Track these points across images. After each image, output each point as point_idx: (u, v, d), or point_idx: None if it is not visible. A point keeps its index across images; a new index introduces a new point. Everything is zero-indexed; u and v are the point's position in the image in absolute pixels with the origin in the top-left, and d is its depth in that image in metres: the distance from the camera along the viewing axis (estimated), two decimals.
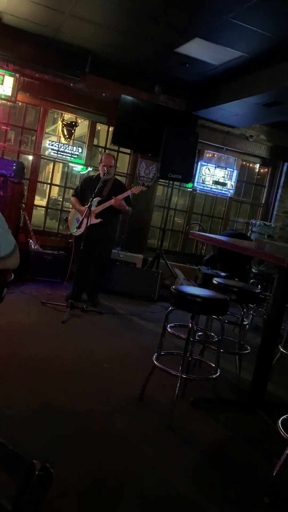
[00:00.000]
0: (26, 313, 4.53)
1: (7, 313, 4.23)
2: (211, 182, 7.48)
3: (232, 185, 7.65)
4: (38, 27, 5.39)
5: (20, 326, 4.09)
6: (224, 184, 7.58)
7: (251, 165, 8.02)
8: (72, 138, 6.58)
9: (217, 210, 7.92)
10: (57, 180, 8.94)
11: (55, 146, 6.44)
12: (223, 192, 7.63)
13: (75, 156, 6.57)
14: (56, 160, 6.67)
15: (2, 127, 6.22)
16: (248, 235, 7.46)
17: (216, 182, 7.51)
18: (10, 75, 5.85)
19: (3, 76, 5.81)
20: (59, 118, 6.64)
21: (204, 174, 7.42)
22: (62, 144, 6.47)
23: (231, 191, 7.68)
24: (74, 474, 2.14)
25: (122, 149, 6.96)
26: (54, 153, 6.46)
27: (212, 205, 7.86)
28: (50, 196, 7.00)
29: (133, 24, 4.79)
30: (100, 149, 7.05)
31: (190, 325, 2.92)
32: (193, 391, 3.26)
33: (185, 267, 7.04)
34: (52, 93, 6.22)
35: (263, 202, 8.14)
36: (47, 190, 6.93)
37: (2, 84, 5.81)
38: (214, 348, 3.37)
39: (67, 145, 6.50)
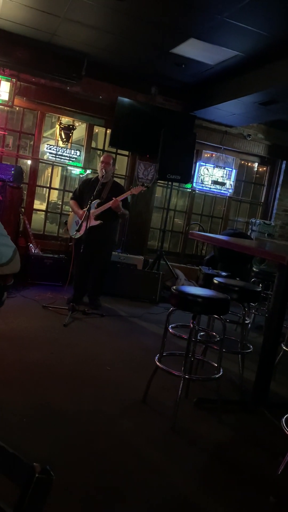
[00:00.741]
0: (28, 317, 4.53)
1: (9, 318, 4.23)
2: (210, 182, 7.48)
3: (231, 184, 7.65)
4: (34, 31, 5.40)
5: (22, 330, 4.08)
6: (223, 184, 7.57)
7: (249, 164, 8.02)
8: (70, 141, 6.59)
9: (216, 210, 7.91)
10: (56, 183, 8.95)
11: (53, 150, 6.45)
12: (222, 191, 7.63)
13: (74, 159, 6.57)
14: (55, 163, 6.67)
15: (0, 132, 6.22)
16: (248, 234, 7.45)
17: (215, 182, 7.51)
18: (7, 80, 5.86)
19: (0, 81, 5.82)
20: (56, 122, 6.65)
21: (202, 174, 7.42)
22: (60, 148, 6.48)
23: (230, 190, 7.67)
24: (78, 478, 2.13)
25: (120, 151, 6.96)
26: (52, 156, 6.46)
27: (211, 205, 7.85)
28: (50, 200, 7.01)
29: (128, 26, 4.79)
30: (98, 151, 7.05)
31: (192, 325, 2.91)
32: (196, 392, 3.25)
33: (186, 268, 7.04)
34: (49, 97, 6.23)
35: (262, 200, 8.13)
36: (46, 194, 6.94)
37: None
38: (216, 348, 3.36)
39: (65, 149, 6.51)
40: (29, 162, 6.59)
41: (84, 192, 5.21)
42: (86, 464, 2.26)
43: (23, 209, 6.10)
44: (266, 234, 7.40)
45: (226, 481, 2.34)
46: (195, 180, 7.37)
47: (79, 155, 6.62)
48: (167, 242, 7.52)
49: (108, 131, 6.80)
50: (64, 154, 6.50)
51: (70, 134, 6.54)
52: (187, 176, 6.55)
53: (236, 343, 3.80)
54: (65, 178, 7.25)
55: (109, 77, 6.39)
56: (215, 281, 3.55)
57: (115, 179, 6.77)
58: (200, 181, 7.42)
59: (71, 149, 6.57)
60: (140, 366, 3.64)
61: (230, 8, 4.00)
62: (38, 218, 7.15)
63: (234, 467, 2.49)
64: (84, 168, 6.63)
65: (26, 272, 5.70)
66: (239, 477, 2.39)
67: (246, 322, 3.84)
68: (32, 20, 5.05)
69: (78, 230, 5.02)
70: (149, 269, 6.34)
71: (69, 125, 6.56)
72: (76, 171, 6.73)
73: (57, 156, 6.46)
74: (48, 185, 7.13)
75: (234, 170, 7.62)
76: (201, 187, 7.48)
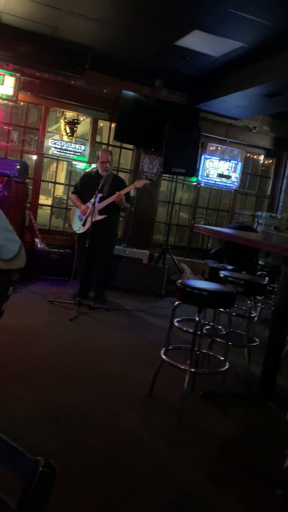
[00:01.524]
0: (34, 312, 4.54)
1: (15, 312, 4.25)
2: (216, 175, 7.44)
3: (236, 177, 7.60)
4: (37, 25, 5.38)
5: (28, 325, 4.10)
6: (228, 177, 7.53)
7: (255, 156, 7.96)
8: (75, 136, 6.57)
9: (222, 203, 7.88)
10: (61, 178, 8.94)
11: (58, 145, 6.44)
12: (227, 185, 7.58)
13: (78, 154, 6.56)
14: (59, 158, 6.66)
15: (5, 127, 6.22)
16: (254, 227, 7.41)
17: (221, 175, 7.47)
18: (11, 75, 5.84)
19: (4, 76, 5.81)
20: (61, 117, 6.64)
21: (208, 168, 7.38)
22: (64, 142, 6.47)
23: (235, 183, 7.63)
24: (85, 473, 2.14)
25: (124, 145, 6.94)
26: (57, 151, 6.46)
27: (217, 199, 7.81)
28: (55, 194, 7.01)
29: (132, 19, 4.76)
30: (103, 146, 7.03)
31: (197, 318, 2.91)
32: (202, 385, 3.25)
33: (192, 262, 7.02)
34: (53, 92, 6.21)
35: (268, 193, 8.08)
36: (52, 189, 6.93)
37: (2, 84, 5.80)
38: (222, 341, 3.35)
39: (69, 143, 6.50)
40: (34, 157, 6.59)
41: (84, 186, 5.21)
42: (93, 458, 2.27)
43: (28, 204, 6.11)
44: (272, 227, 7.36)
45: (233, 474, 2.34)
46: (200, 174, 7.33)
47: (84, 150, 6.61)
48: (172, 236, 7.50)
49: (112, 125, 6.78)
50: (68, 148, 6.49)
51: (75, 129, 6.53)
52: (192, 169, 6.52)
53: (242, 336, 3.79)
54: (70, 173, 7.25)
55: (113, 70, 6.36)
56: (221, 275, 3.54)
57: (120, 173, 6.78)
58: (205, 174, 7.38)
59: (75, 143, 6.56)
60: (146, 360, 3.64)
61: None
62: (43, 213, 7.16)
63: (240, 460, 2.49)
64: (89, 162, 6.61)
65: (32, 267, 5.72)
66: (245, 470, 2.39)
67: (252, 315, 3.83)
68: (35, 14, 5.03)
69: (83, 225, 5.02)
70: (155, 263, 6.34)
71: (73, 120, 6.54)
72: (81, 165, 6.72)
73: (61, 150, 6.45)
74: (53, 180, 7.14)
75: (239, 163, 7.57)
76: (206, 181, 7.44)
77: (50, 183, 7.28)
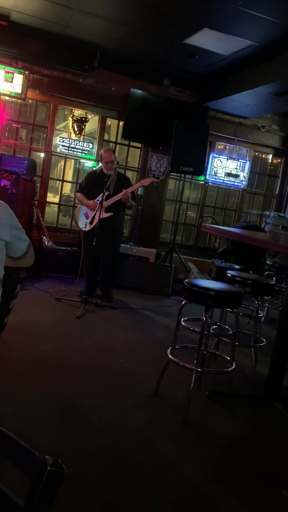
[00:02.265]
0: (41, 309, 4.56)
1: (22, 310, 4.27)
2: (223, 174, 7.41)
3: (244, 176, 7.57)
4: (46, 23, 5.38)
5: (35, 322, 4.12)
6: (236, 176, 7.50)
7: (263, 155, 7.92)
8: (83, 134, 6.58)
9: (230, 202, 7.85)
10: (68, 176, 8.96)
11: (66, 143, 6.45)
12: (235, 184, 7.56)
13: (86, 152, 6.57)
14: (67, 156, 6.67)
15: (13, 125, 6.25)
16: (262, 227, 7.38)
17: (229, 174, 7.44)
18: (20, 73, 5.86)
19: (13, 73, 5.82)
20: (69, 114, 6.65)
21: (216, 166, 7.35)
22: (72, 140, 6.48)
23: (244, 182, 7.60)
24: (91, 471, 2.15)
25: (132, 143, 6.93)
26: (65, 149, 6.47)
27: (225, 198, 7.79)
28: (62, 192, 7.03)
29: (141, 17, 4.75)
30: (111, 144, 7.04)
31: (204, 318, 2.90)
32: (209, 385, 3.25)
33: (199, 261, 7.00)
34: (62, 89, 6.22)
35: (276, 193, 8.04)
36: (59, 187, 6.95)
37: (12, 82, 5.82)
38: (229, 341, 3.34)
39: (77, 141, 6.50)
40: (42, 155, 6.61)
41: (90, 184, 5.22)
42: (99, 456, 2.28)
43: (36, 202, 6.13)
44: (280, 227, 7.32)
45: (238, 474, 2.34)
46: (208, 172, 7.31)
47: (92, 148, 6.61)
48: (179, 235, 7.49)
49: (120, 123, 6.77)
50: (76, 146, 6.49)
51: (83, 127, 6.53)
52: (200, 168, 6.49)
53: (249, 336, 3.78)
54: (77, 171, 7.26)
55: (122, 68, 6.35)
56: (228, 274, 3.53)
57: (128, 172, 6.78)
58: (213, 173, 7.36)
59: (83, 141, 6.56)
60: (153, 358, 3.64)
61: None
62: (51, 211, 7.18)
63: (246, 461, 2.49)
64: (97, 160, 6.61)
65: (39, 265, 5.73)
66: (251, 470, 2.39)
67: (259, 315, 3.81)
68: (45, 12, 5.03)
69: (91, 223, 5.03)
70: (162, 262, 6.33)
71: (81, 118, 6.54)
72: (88, 163, 6.72)
73: (69, 148, 6.47)
74: (61, 178, 7.15)
75: (248, 162, 7.54)
76: (214, 179, 7.42)
77: (57, 181, 7.30)
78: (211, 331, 3.70)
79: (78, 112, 6.59)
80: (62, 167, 7.27)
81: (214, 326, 3.80)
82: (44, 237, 6.04)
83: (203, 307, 2.92)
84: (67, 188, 8.39)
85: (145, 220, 6.83)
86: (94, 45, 5.81)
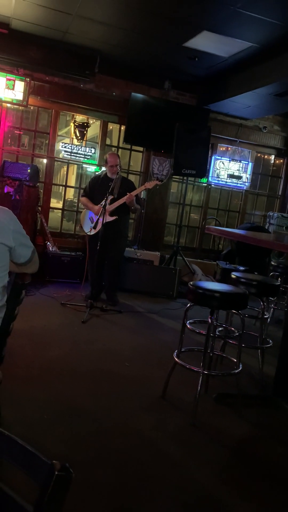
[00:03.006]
0: (47, 314, 4.57)
1: (28, 315, 4.28)
2: (226, 175, 7.41)
3: (247, 178, 7.56)
4: (46, 30, 5.42)
5: (41, 328, 4.12)
6: (239, 177, 7.50)
7: (266, 156, 7.91)
8: (85, 139, 6.60)
9: (233, 204, 7.84)
10: (71, 182, 8.98)
11: (68, 148, 6.47)
12: (238, 185, 7.55)
13: (89, 157, 6.59)
14: (70, 162, 6.70)
15: (16, 131, 6.28)
16: (266, 227, 7.36)
17: (231, 176, 7.43)
18: (21, 80, 5.89)
19: (14, 81, 5.86)
20: (71, 120, 6.68)
21: (218, 168, 7.35)
22: (75, 146, 6.50)
23: (246, 184, 7.59)
24: (100, 474, 2.14)
25: (134, 147, 6.95)
26: (67, 155, 6.49)
27: (228, 199, 7.78)
28: (66, 198, 7.04)
29: (140, 21, 4.77)
30: (113, 148, 7.05)
31: (210, 320, 2.90)
32: (216, 387, 3.24)
33: (203, 263, 6.99)
34: (63, 95, 6.25)
35: (280, 193, 8.03)
36: (63, 192, 6.97)
37: (13, 89, 5.86)
38: (235, 343, 3.33)
39: (80, 146, 6.53)
40: (44, 161, 6.63)
41: (94, 188, 5.23)
42: (107, 460, 2.27)
43: (39, 208, 6.15)
44: (284, 227, 7.30)
45: (247, 476, 2.32)
46: (210, 174, 7.31)
47: (94, 153, 6.63)
48: (183, 237, 7.48)
49: (122, 128, 6.79)
50: (79, 152, 6.52)
51: (85, 132, 6.56)
52: (203, 170, 6.50)
53: (255, 337, 3.77)
54: (80, 176, 7.27)
55: (122, 73, 6.38)
56: (233, 276, 3.52)
57: (130, 175, 6.80)
58: (215, 175, 7.36)
59: (85, 146, 6.58)
60: (159, 362, 3.64)
61: None
62: (54, 216, 7.19)
63: (255, 462, 2.47)
64: (99, 165, 6.63)
65: (44, 270, 5.75)
66: (260, 472, 2.37)
67: (265, 316, 3.80)
68: (44, 18, 5.07)
69: (94, 227, 5.04)
70: (166, 265, 6.33)
71: (83, 123, 6.57)
72: (91, 168, 6.74)
73: (72, 154, 6.49)
74: (64, 183, 7.17)
75: (250, 163, 7.53)
76: (217, 181, 7.42)
77: (61, 187, 7.32)
78: (217, 333, 3.69)
79: (79, 118, 6.62)
80: (65, 172, 7.28)
81: (220, 328, 3.79)
82: (48, 243, 6.05)
83: (208, 309, 2.91)
84: (70, 194, 8.41)
85: (149, 223, 6.84)
86: (94, 50, 5.84)
